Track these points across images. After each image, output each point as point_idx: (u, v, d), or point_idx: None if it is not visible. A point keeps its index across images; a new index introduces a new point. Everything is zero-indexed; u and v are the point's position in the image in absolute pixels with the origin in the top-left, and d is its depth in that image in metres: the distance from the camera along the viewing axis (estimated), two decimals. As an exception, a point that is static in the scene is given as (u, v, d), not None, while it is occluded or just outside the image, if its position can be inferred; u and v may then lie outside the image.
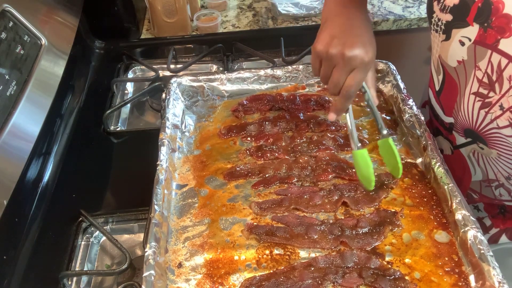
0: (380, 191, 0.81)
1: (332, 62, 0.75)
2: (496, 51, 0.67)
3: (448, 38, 0.75)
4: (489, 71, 0.70)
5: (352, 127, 0.80)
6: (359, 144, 0.79)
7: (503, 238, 0.89)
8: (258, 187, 0.84)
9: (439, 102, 0.86)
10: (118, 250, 0.81)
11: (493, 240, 0.91)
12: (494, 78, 0.70)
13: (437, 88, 0.85)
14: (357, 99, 1.01)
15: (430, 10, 0.78)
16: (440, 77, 0.82)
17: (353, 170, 0.83)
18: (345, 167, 0.86)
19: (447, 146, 0.89)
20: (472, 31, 0.70)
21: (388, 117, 0.96)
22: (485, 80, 0.71)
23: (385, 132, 0.81)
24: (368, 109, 0.93)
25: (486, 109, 0.73)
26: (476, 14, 0.68)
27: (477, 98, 0.74)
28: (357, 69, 0.74)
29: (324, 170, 0.85)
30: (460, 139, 0.84)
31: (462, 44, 0.72)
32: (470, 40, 0.71)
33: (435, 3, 0.76)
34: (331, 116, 0.81)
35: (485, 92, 0.72)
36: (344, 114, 0.81)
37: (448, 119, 0.84)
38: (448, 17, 0.73)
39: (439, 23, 0.75)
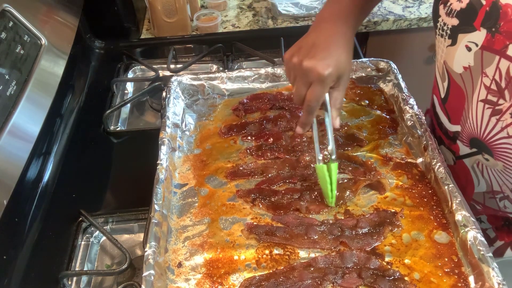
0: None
1: (293, 72, 0.74)
2: (504, 57, 0.65)
3: (454, 43, 0.73)
4: (497, 77, 0.68)
5: (316, 140, 0.80)
6: (320, 158, 0.79)
7: (509, 252, 0.87)
8: (262, 186, 0.84)
9: (445, 110, 0.83)
10: (118, 250, 0.81)
11: (498, 254, 0.88)
12: (503, 85, 0.67)
13: (442, 95, 0.83)
14: (357, 98, 1.01)
15: (435, 14, 0.76)
16: (445, 84, 0.80)
17: (359, 165, 0.85)
18: (350, 163, 0.86)
19: (449, 156, 0.87)
20: (479, 36, 0.68)
21: (388, 117, 0.96)
22: (493, 87, 0.69)
23: (333, 156, 0.78)
24: (322, 130, 0.84)
25: (497, 116, 0.71)
26: (484, 18, 0.66)
27: (486, 106, 0.72)
28: (314, 83, 0.72)
29: None
30: (464, 149, 0.82)
31: (469, 49, 0.70)
32: (477, 45, 0.68)
33: (441, 7, 0.73)
34: (298, 129, 0.80)
35: (495, 99, 0.70)
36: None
37: (454, 128, 0.82)
38: (454, 21, 0.71)
39: (445, 28, 0.73)
